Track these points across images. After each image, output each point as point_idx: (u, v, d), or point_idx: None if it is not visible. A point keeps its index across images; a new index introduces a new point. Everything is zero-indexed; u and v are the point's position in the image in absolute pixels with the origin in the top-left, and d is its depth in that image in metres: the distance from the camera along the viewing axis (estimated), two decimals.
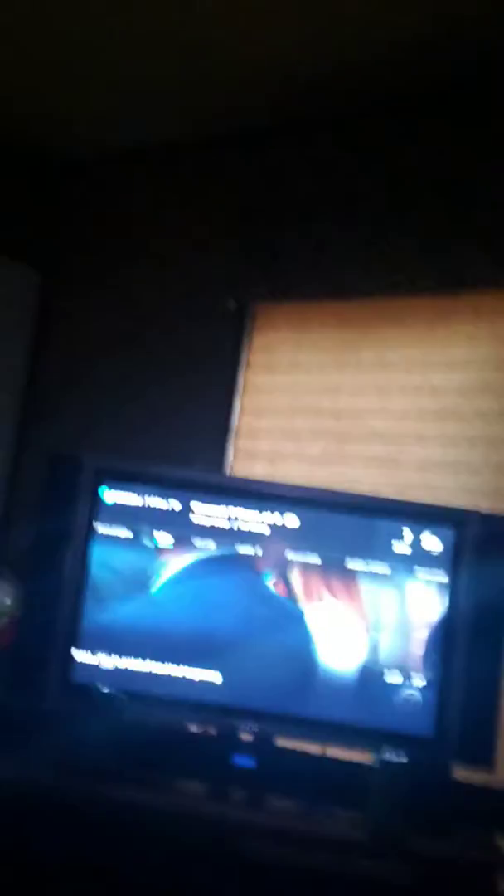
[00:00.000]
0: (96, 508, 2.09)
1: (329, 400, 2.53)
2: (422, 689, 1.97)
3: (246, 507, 2.08)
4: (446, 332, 2.39)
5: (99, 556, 2.08)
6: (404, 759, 1.80)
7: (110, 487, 2.11)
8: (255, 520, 2.08)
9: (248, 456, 2.63)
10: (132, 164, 3.00)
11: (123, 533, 2.09)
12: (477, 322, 2.35)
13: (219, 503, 2.09)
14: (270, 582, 2.05)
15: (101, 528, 2.09)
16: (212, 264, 2.76)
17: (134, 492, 2.10)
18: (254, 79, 2.48)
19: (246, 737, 2.00)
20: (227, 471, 2.62)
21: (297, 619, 2.03)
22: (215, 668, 2.03)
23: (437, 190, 2.37)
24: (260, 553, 2.06)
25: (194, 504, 2.09)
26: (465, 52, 2.25)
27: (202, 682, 2.03)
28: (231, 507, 2.08)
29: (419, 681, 1.98)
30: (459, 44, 2.22)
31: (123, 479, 2.11)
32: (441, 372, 2.37)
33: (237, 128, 2.74)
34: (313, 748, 2.02)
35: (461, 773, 1.94)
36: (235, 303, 2.68)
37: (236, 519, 2.08)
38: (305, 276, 2.54)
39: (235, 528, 2.07)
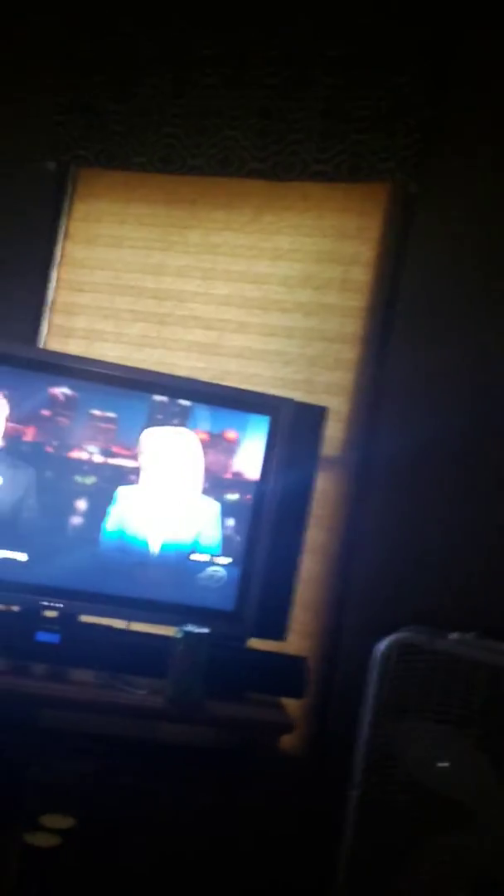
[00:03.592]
0: None
1: (151, 280, 2.46)
2: (226, 567, 2.05)
3: (58, 384, 2.00)
4: (274, 220, 2.37)
5: None
6: (205, 631, 1.88)
7: None
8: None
9: (63, 333, 2.51)
10: None
11: None
12: (304, 213, 2.35)
13: (29, 379, 1.99)
14: (78, 458, 2.01)
15: None
16: (29, 121, 2.52)
17: None
18: None
19: (51, 614, 2.00)
20: (41, 346, 2.50)
21: (105, 498, 2.01)
22: (19, 548, 1.99)
23: (279, 68, 2.28)
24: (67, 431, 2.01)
25: None
26: None
27: (6, 560, 1.98)
28: (46, 384, 1.99)
29: (223, 559, 2.05)
30: None
31: None
32: (265, 260, 2.37)
33: None
34: (120, 624, 2.05)
35: (257, 644, 2.07)
36: (55, 164, 2.48)
37: (49, 394, 2.00)
38: (132, 143, 2.40)
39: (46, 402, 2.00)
